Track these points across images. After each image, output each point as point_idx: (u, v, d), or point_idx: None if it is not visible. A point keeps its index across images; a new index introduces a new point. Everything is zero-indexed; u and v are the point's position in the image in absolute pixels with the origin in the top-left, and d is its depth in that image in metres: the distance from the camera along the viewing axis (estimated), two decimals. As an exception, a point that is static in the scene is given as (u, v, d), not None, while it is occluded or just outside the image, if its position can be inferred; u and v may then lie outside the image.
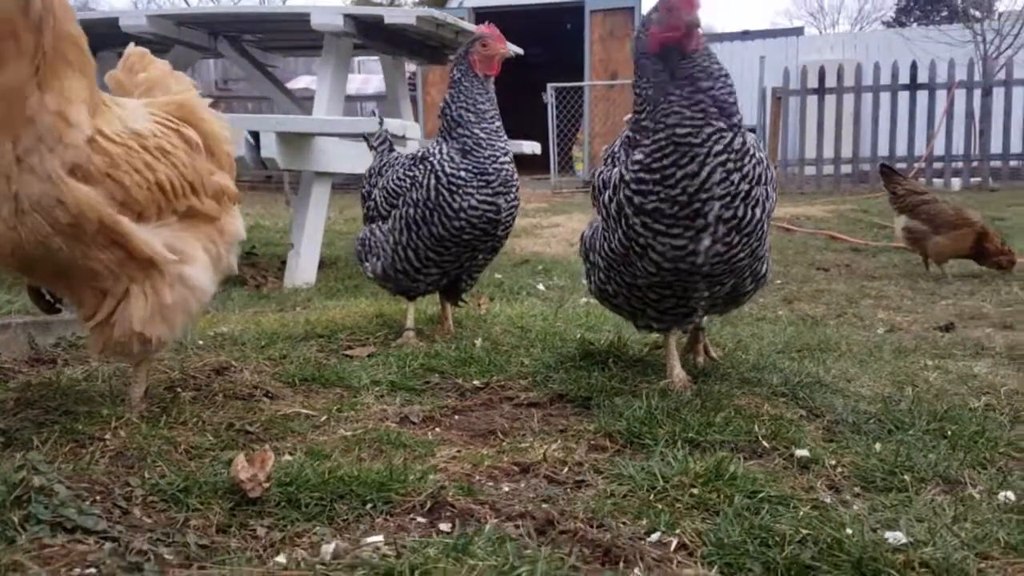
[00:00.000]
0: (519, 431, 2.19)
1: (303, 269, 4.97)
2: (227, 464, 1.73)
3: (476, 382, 2.61)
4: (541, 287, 4.85)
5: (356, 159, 4.73)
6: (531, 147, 5.77)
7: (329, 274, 5.26)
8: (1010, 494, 1.76)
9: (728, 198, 2.20)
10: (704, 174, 2.18)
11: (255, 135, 4.44)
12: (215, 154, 2.25)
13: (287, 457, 1.88)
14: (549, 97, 13.33)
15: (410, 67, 12.05)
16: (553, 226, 8.13)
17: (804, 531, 1.52)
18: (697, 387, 2.44)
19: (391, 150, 3.42)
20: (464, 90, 3.02)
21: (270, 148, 4.45)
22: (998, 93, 11.66)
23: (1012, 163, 11.75)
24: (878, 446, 2.02)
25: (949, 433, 2.12)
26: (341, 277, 5.16)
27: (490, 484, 1.82)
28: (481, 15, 14.09)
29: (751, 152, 2.23)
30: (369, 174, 3.36)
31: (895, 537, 1.52)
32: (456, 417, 2.32)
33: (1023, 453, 2.05)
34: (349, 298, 4.32)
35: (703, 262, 2.27)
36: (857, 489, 1.82)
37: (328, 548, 1.42)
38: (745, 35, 19.43)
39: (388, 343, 3.14)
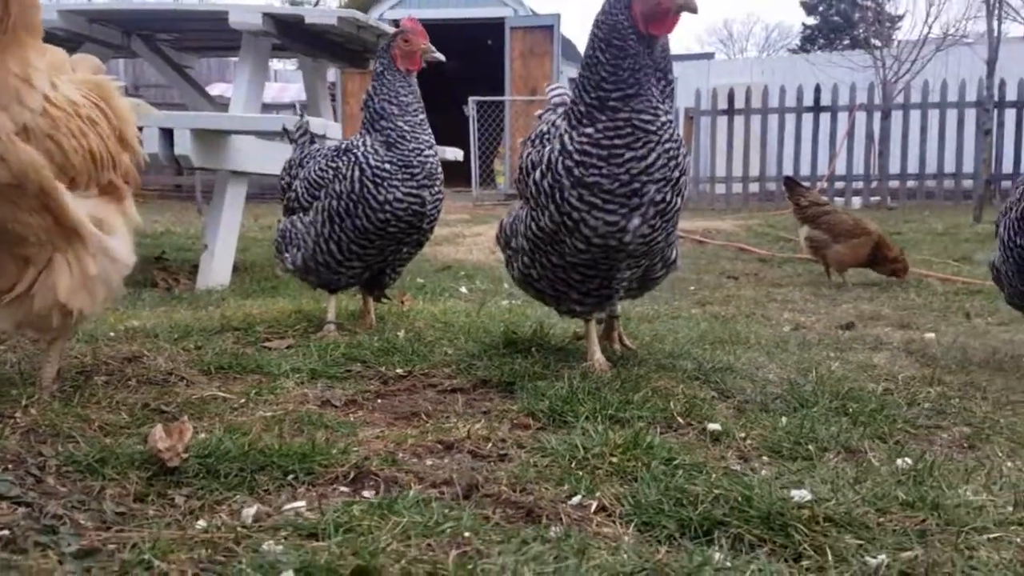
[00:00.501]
0: (443, 413, 2.21)
1: (217, 270, 4.85)
2: (144, 439, 1.69)
3: (399, 370, 2.61)
4: (464, 290, 4.87)
5: (274, 159, 4.67)
6: (453, 153, 5.81)
7: (244, 277, 5.16)
8: (908, 459, 1.88)
9: (663, 182, 2.30)
10: (651, 159, 2.27)
11: (168, 131, 4.34)
12: (125, 138, 2.22)
13: (204, 436, 1.85)
14: (471, 110, 13.42)
15: (330, 77, 11.96)
16: (475, 235, 8.17)
17: (716, 491, 1.59)
18: (616, 371, 2.51)
19: (312, 142, 3.40)
20: (387, 83, 3.03)
21: (184, 145, 4.34)
22: (896, 116, 12.33)
23: (909, 183, 12.41)
24: (784, 420, 2.12)
25: (850, 410, 2.24)
26: (257, 279, 5.06)
27: (414, 460, 1.84)
28: (402, 28, 14.05)
29: (681, 142, 2.35)
30: (289, 165, 3.33)
31: (800, 495, 1.60)
32: (379, 401, 2.32)
33: (919, 430, 2.18)
34: (266, 298, 4.25)
35: (630, 240, 2.35)
36: (765, 458, 1.91)
37: (249, 511, 1.41)
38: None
39: (308, 336, 3.11)
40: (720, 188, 12.78)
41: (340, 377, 2.53)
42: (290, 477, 1.64)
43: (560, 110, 2.59)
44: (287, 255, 3.17)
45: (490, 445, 1.93)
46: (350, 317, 3.48)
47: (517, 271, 2.67)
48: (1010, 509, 1.58)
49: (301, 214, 3.14)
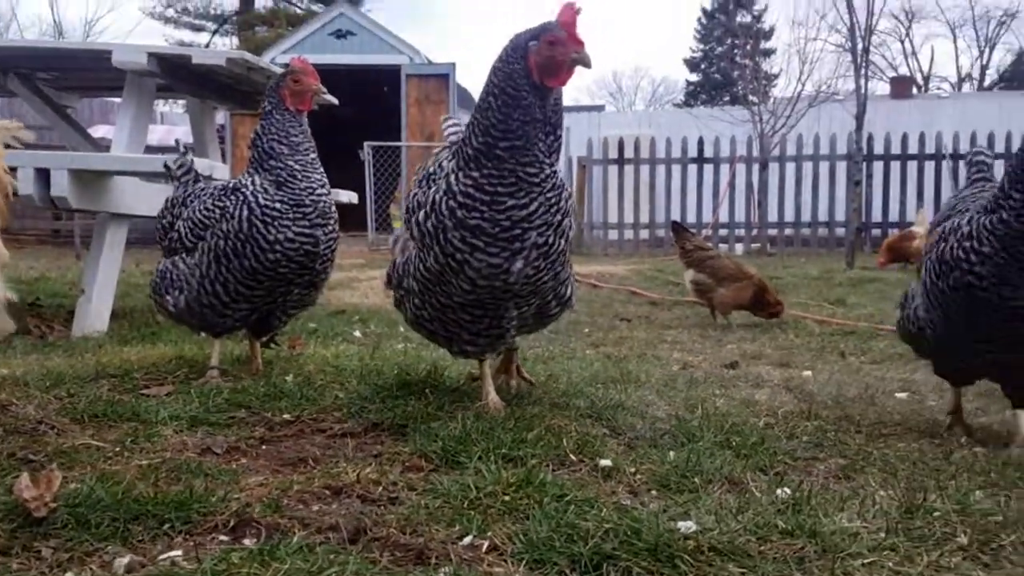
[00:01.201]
0: (332, 458, 2.15)
1: (95, 316, 4.61)
2: (8, 489, 1.57)
3: (287, 416, 2.54)
4: (357, 334, 4.79)
5: (157, 202, 4.50)
6: (348, 196, 5.76)
7: (124, 324, 4.92)
8: (787, 489, 1.95)
9: (544, 227, 2.34)
10: (533, 207, 2.31)
11: (44, 172, 4.13)
12: None
13: (75, 485, 1.74)
14: (366, 155, 13.39)
15: (219, 119, 11.71)
16: (370, 279, 8.08)
17: (606, 526, 1.61)
18: (510, 410, 2.52)
19: (196, 181, 3.30)
20: (276, 122, 2.98)
21: (61, 186, 4.14)
22: (774, 168, 13.04)
23: (787, 230, 13.09)
24: (672, 455, 2.17)
25: (734, 444, 2.31)
26: (137, 325, 4.83)
27: (300, 506, 1.78)
28: (296, 72, 13.95)
29: (564, 186, 2.40)
30: (172, 204, 3.21)
31: (686, 526, 1.63)
32: (264, 447, 2.24)
33: (797, 461, 2.27)
34: (146, 345, 4.06)
35: (515, 281, 2.37)
36: (654, 491, 1.94)
37: (122, 562, 1.33)
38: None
39: (189, 382, 2.99)
40: (612, 234, 13.14)
41: (222, 424, 2.43)
42: (166, 526, 1.56)
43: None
44: (168, 298, 3.04)
45: (380, 489, 1.89)
46: (236, 363, 3.36)
47: (409, 312, 2.65)
48: (883, 535, 1.66)
49: (184, 255, 3.03)
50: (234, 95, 6.06)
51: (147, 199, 4.74)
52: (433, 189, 2.42)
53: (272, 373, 3.15)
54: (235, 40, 30.73)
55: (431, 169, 2.53)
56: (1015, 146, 11.99)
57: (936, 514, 1.81)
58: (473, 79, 15.21)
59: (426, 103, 15.52)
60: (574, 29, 2.29)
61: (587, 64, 2.31)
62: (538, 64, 2.30)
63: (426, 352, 3.69)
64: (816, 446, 2.41)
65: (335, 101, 4.18)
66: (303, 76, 3.02)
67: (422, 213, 2.43)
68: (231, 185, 2.99)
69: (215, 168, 4.31)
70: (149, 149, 7.24)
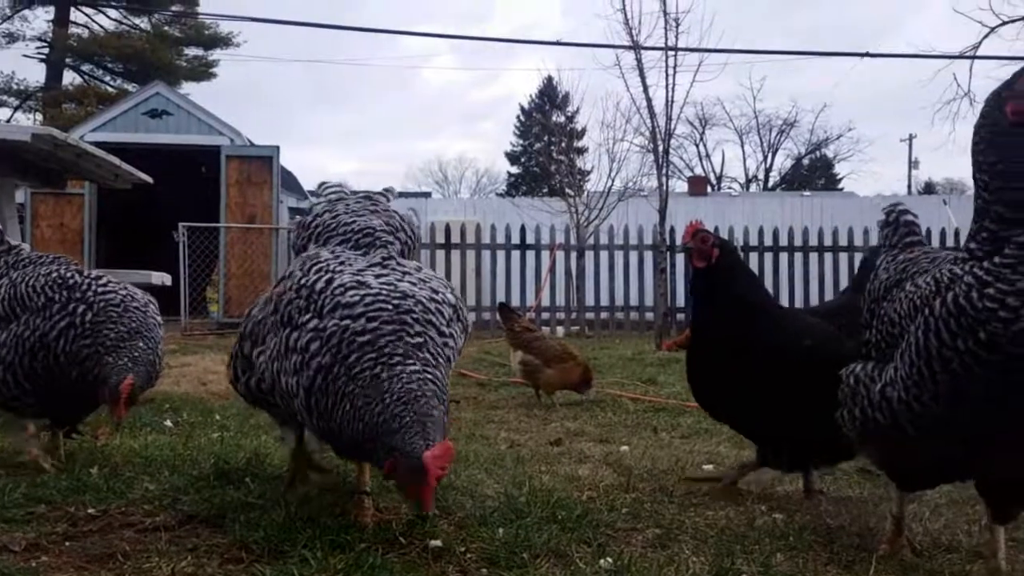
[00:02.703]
0: (143, 553, 2.02)
1: None
2: None
3: (92, 510, 2.35)
4: (169, 423, 4.51)
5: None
6: (160, 277, 5.51)
7: None
8: (609, 559, 2.04)
9: None
10: None
11: None
12: None
13: None
14: (181, 236, 12.83)
15: (19, 197, 10.86)
16: (183, 365, 7.65)
17: (437, 605, 1.61)
18: (335, 496, 2.46)
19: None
20: None
21: None
22: (589, 255, 13.77)
23: (602, 314, 13.77)
24: (501, 532, 2.21)
25: (559, 518, 2.39)
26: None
27: (108, 607, 1.65)
28: (108, 151, 13.31)
29: None
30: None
31: (516, 600, 1.67)
32: (68, 544, 2.07)
33: (618, 532, 2.38)
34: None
35: None
36: (484, 570, 1.97)
37: None
38: (387, 191, 20.70)
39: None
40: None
41: (20, 520, 2.22)
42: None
43: (340, 204, 2.58)
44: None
45: (198, 583, 1.79)
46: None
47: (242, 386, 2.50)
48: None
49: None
50: (39, 172, 5.69)
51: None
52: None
53: (75, 465, 2.90)
54: (39, 117, 28.84)
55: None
56: (798, 239, 13.43)
57: (743, 576, 1.95)
58: (297, 164, 15.10)
59: (248, 184, 15.18)
60: None
61: None
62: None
63: (245, 440, 3.54)
64: (634, 517, 2.53)
65: (149, 179, 4.04)
66: None
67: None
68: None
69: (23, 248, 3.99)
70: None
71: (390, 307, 2.04)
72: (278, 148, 15.63)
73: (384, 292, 2.08)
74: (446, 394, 2.02)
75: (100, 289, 2.81)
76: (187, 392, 6.17)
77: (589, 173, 20.68)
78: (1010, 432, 1.89)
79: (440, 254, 13.29)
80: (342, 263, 2.23)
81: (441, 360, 2.06)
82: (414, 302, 2.09)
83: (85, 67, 30.74)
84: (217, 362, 7.61)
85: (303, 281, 2.16)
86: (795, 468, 2.98)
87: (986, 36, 17.00)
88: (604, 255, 13.63)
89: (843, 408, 2.27)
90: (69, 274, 2.83)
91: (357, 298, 2.05)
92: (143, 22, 30.68)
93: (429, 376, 1.97)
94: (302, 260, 2.29)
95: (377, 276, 2.17)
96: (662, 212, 11.17)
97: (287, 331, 2.09)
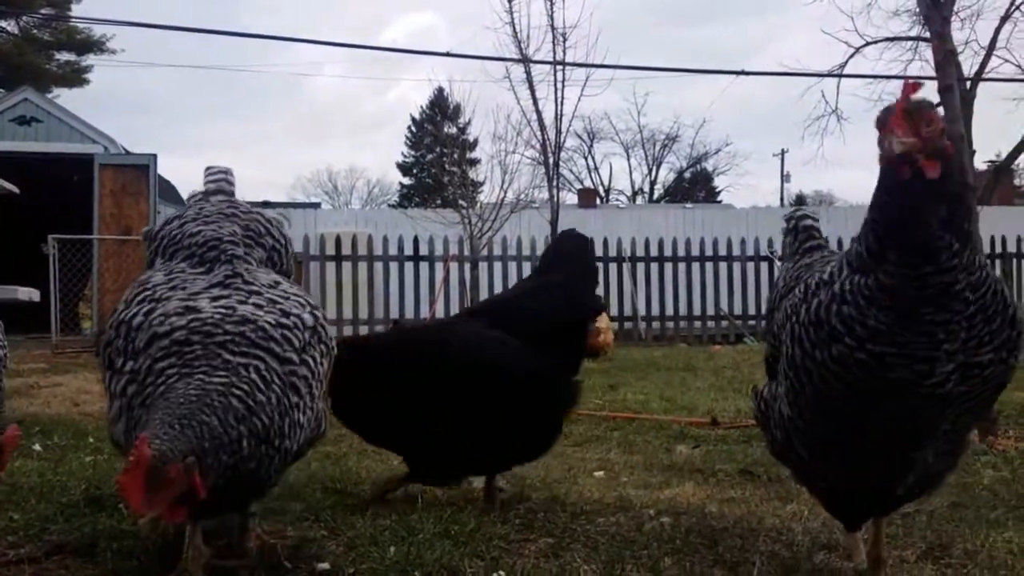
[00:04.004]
0: (3, 591, 1.87)
1: None
2: None
3: (-54, 545, 2.17)
4: (37, 447, 4.23)
5: None
6: (27, 293, 5.18)
7: None
8: (501, 572, 2.04)
9: None
10: None
11: None
12: None
13: None
14: (51, 249, 12.09)
15: None
16: (55, 385, 7.20)
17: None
18: (219, 519, 2.36)
19: None
20: None
21: None
22: (483, 267, 13.82)
23: (497, 326, 13.86)
24: (392, 550, 2.17)
25: (452, 532, 2.37)
26: None
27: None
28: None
29: None
30: None
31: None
32: (-85, 585, 1.90)
33: (511, 544, 2.38)
34: None
35: None
36: (374, 590, 1.93)
37: None
38: (266, 204, 20.17)
39: None
40: (331, 331, 12.97)
41: None
42: None
43: (216, 198, 2.39)
44: None
45: (65, 620, 1.68)
46: None
47: None
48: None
49: None
50: None
51: None
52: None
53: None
54: None
55: None
56: (681, 250, 13.89)
57: (632, 581, 1.98)
58: (177, 175, 14.54)
59: (123, 194, 14.48)
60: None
61: None
62: None
63: (120, 463, 3.35)
64: (527, 528, 2.54)
65: (15, 189, 3.80)
66: None
67: None
68: None
69: None
70: None
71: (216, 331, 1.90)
72: (155, 156, 15.00)
73: (216, 318, 1.93)
74: (289, 416, 1.89)
75: None
76: (58, 413, 5.82)
77: (482, 185, 20.78)
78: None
79: (331, 266, 13.03)
80: (173, 288, 2.04)
81: (276, 384, 1.89)
82: (252, 328, 1.93)
83: (-53, 70, 28.70)
84: (92, 380, 7.20)
85: (123, 316, 1.98)
86: (448, 480, 2.95)
87: (851, 56, 18.01)
88: (498, 266, 13.71)
89: (765, 433, 2.18)
90: None
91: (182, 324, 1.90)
92: (10, 24, 28.89)
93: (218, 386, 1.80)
94: (131, 287, 2.11)
95: (214, 299, 2.00)
96: (553, 224, 11.35)
97: (108, 375, 1.95)
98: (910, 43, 17.69)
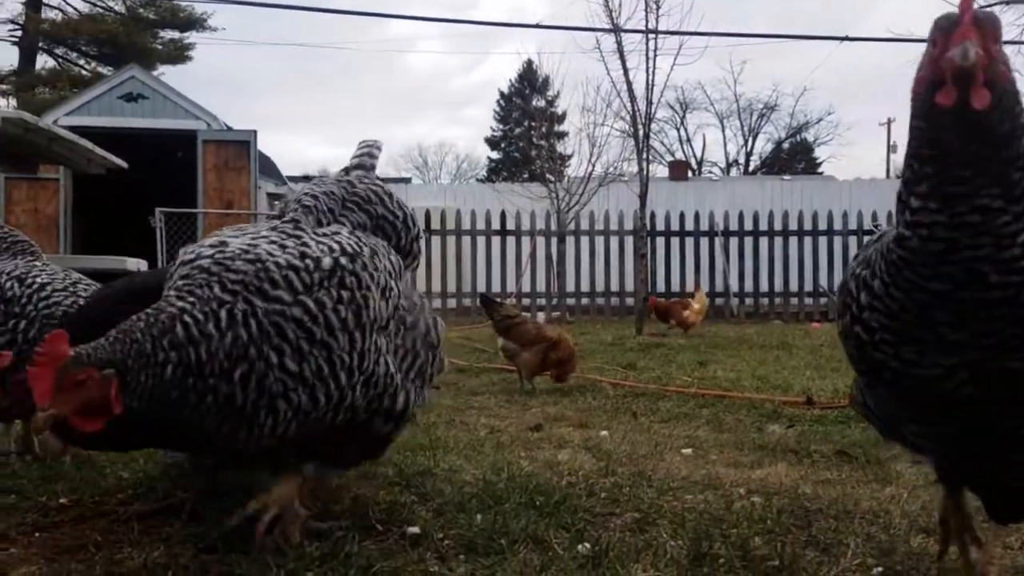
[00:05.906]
0: (116, 543, 1.99)
1: None
2: None
3: (64, 500, 2.32)
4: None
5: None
6: (136, 263, 5.44)
7: None
8: (587, 544, 2.04)
9: None
10: None
11: None
12: None
13: None
14: (158, 221, 12.68)
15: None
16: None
17: (415, 593, 1.60)
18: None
19: None
20: None
21: None
22: (570, 241, 13.78)
23: (583, 300, 13.79)
24: (479, 517, 2.20)
25: (538, 503, 2.38)
26: None
27: (78, 598, 1.63)
28: (83, 136, 13.10)
29: None
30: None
31: (493, 587, 1.66)
32: (38, 535, 2.04)
33: (596, 517, 2.37)
34: None
35: None
36: (462, 556, 1.96)
37: None
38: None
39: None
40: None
41: (-11, 511, 2.18)
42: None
43: (356, 172, 2.42)
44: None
45: (170, 574, 1.77)
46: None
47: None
48: (673, 581, 1.77)
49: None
50: (8, 157, 5.61)
51: None
52: None
53: (46, 455, 2.87)
54: (13, 101, 28.34)
55: None
56: (777, 223, 13.49)
57: (721, 561, 1.96)
58: (276, 150, 14.94)
59: (225, 169, 15.02)
60: None
61: None
62: None
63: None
64: (613, 502, 2.53)
65: (124, 164, 3.98)
66: None
67: None
68: None
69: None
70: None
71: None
72: (255, 133, 15.47)
73: (237, 253, 1.90)
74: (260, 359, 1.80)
75: None
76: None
77: (570, 158, 20.68)
78: None
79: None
80: (243, 232, 2.06)
81: (252, 323, 1.80)
82: (257, 269, 1.87)
83: (59, 50, 30.24)
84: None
85: (185, 257, 1.99)
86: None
87: (963, 21, 17.00)
88: (585, 241, 13.64)
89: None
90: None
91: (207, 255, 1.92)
92: (117, 4, 30.17)
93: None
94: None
95: (253, 238, 1.98)
96: (642, 197, 11.16)
97: None
98: (1028, 5, 16.59)
